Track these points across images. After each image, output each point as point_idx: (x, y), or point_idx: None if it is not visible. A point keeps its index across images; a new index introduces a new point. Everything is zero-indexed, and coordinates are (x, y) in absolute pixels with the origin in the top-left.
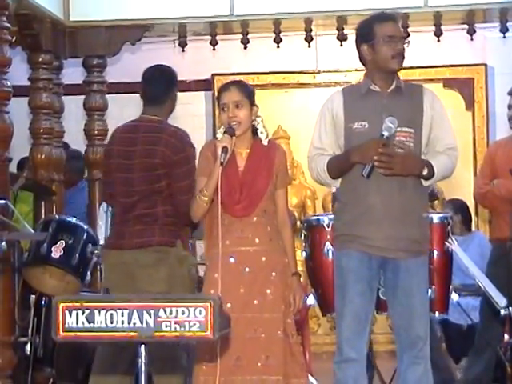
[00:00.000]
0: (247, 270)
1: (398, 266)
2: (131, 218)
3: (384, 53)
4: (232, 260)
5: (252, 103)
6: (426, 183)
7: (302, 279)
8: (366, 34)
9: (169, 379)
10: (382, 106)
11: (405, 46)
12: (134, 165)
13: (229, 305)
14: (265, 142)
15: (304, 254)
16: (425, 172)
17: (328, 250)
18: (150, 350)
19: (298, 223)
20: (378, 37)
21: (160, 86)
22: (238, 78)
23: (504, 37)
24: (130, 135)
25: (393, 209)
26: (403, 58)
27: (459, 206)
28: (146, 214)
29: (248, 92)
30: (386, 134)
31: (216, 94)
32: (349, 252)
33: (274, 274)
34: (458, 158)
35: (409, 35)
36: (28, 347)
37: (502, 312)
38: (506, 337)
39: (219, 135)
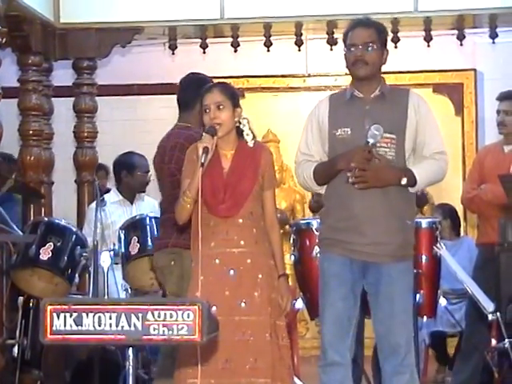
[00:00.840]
0: (231, 272)
1: (379, 271)
2: (160, 222)
3: (348, 60)
4: (217, 262)
5: (235, 105)
6: (412, 190)
7: (290, 282)
8: (344, 41)
9: None
10: (365, 112)
11: (367, 51)
12: (164, 170)
13: (214, 308)
14: (250, 144)
15: (293, 257)
16: (403, 182)
17: (317, 254)
18: None
19: (287, 227)
20: (346, 44)
21: (188, 91)
22: (227, 81)
23: (493, 42)
24: (163, 143)
25: (375, 214)
26: (366, 63)
27: (448, 211)
28: (168, 217)
29: (230, 93)
30: (371, 141)
31: None
32: (331, 256)
33: (260, 276)
34: (448, 162)
35: (398, 40)
36: (16, 349)
37: (490, 317)
38: (494, 341)
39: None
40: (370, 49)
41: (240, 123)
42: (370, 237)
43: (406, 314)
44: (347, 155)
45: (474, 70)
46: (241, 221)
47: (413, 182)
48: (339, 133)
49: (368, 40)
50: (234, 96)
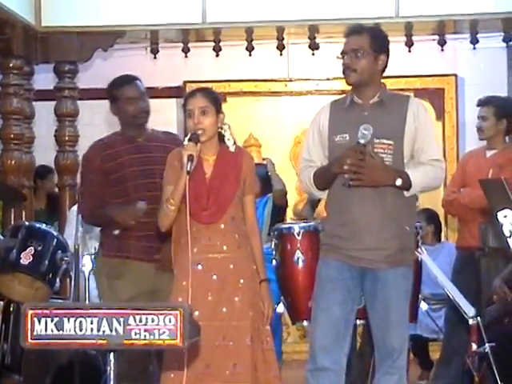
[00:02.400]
0: (215, 277)
1: (376, 276)
2: None
3: (342, 68)
4: (199, 267)
5: (218, 110)
6: (406, 194)
7: None
8: None
9: None
10: (363, 118)
11: (355, 59)
12: None
13: (197, 312)
14: (232, 149)
15: (274, 262)
16: (398, 183)
17: (298, 259)
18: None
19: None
20: (340, 52)
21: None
22: (209, 85)
23: (474, 48)
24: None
25: (373, 220)
26: (353, 71)
27: (431, 216)
28: None
29: (214, 99)
30: (362, 141)
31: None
32: (328, 261)
33: (242, 281)
34: (444, 170)
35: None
36: None
37: (471, 321)
38: (474, 346)
39: (186, 142)
40: (358, 56)
41: (221, 129)
42: (368, 243)
43: (400, 319)
44: (340, 158)
45: (455, 75)
46: (223, 226)
47: (408, 184)
48: (338, 139)
49: (356, 47)
50: (217, 102)
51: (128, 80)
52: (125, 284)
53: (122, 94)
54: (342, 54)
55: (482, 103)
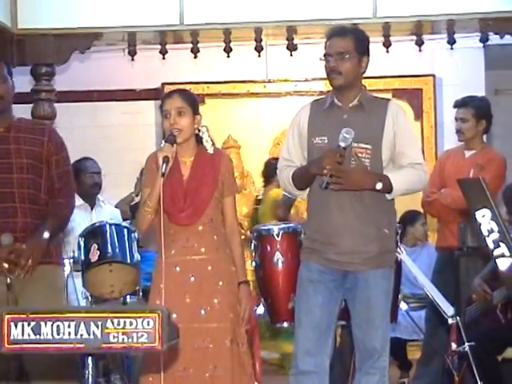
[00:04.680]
0: (192, 279)
1: (357, 277)
2: None
3: (326, 70)
4: (177, 269)
5: (195, 112)
6: (389, 197)
7: (251, 289)
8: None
9: None
10: (342, 122)
11: (341, 61)
12: None
13: (174, 315)
14: (210, 151)
15: (254, 263)
16: (378, 186)
17: (278, 260)
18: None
19: (249, 233)
20: (323, 54)
21: None
22: (187, 87)
23: (451, 48)
24: None
25: (352, 223)
26: (339, 73)
27: (416, 218)
28: None
29: (191, 100)
30: (342, 144)
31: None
32: (309, 264)
33: (220, 283)
34: (426, 172)
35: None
36: None
37: (450, 321)
38: (454, 345)
39: (162, 144)
40: (344, 58)
41: (199, 131)
42: (347, 246)
43: (382, 319)
44: (318, 160)
45: (433, 75)
46: (201, 228)
47: (389, 188)
48: (317, 141)
49: (341, 50)
50: (194, 103)
51: None
52: None
53: None
54: (325, 56)
55: (459, 104)
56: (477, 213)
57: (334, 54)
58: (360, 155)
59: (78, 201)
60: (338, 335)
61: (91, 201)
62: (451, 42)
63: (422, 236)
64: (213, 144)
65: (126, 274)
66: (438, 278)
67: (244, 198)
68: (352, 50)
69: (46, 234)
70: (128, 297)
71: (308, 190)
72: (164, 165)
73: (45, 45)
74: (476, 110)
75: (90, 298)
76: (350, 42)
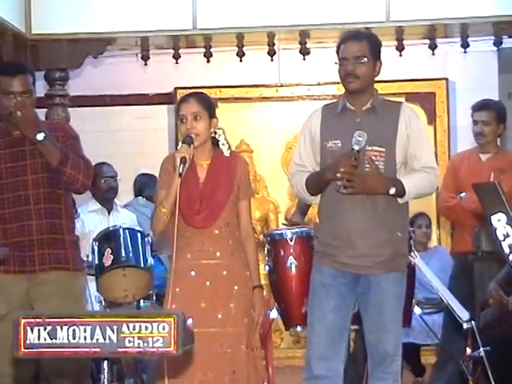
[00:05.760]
0: (208, 283)
1: (369, 281)
2: None
3: (340, 74)
4: (192, 273)
5: (211, 115)
6: (400, 201)
7: (265, 293)
8: (337, 53)
9: None
10: (355, 125)
11: (358, 65)
12: None
13: (190, 319)
14: (226, 154)
15: (267, 267)
16: (392, 191)
17: (291, 264)
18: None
19: (262, 237)
20: (339, 58)
21: None
22: (200, 91)
23: (465, 52)
24: None
25: (365, 227)
26: (357, 77)
27: (428, 221)
28: None
29: (207, 104)
30: (356, 147)
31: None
32: (321, 268)
33: (236, 287)
34: (438, 176)
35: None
36: None
37: (465, 326)
38: (469, 350)
39: (179, 146)
40: (362, 62)
41: (215, 133)
42: (360, 249)
43: (394, 323)
44: (333, 165)
45: (446, 79)
46: (216, 232)
47: (401, 192)
48: (330, 145)
49: (359, 54)
50: (210, 106)
51: (13, 70)
52: None
53: (0, 84)
54: (341, 59)
55: (481, 107)
56: (492, 217)
57: (350, 57)
58: (374, 158)
59: (95, 205)
60: (351, 340)
61: (108, 205)
62: (465, 45)
63: (424, 239)
64: (229, 147)
65: (139, 279)
66: (457, 284)
67: (257, 202)
68: (368, 54)
69: (41, 135)
70: (141, 301)
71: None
72: (181, 165)
73: (58, 50)
74: (497, 113)
75: (103, 302)
76: (365, 46)
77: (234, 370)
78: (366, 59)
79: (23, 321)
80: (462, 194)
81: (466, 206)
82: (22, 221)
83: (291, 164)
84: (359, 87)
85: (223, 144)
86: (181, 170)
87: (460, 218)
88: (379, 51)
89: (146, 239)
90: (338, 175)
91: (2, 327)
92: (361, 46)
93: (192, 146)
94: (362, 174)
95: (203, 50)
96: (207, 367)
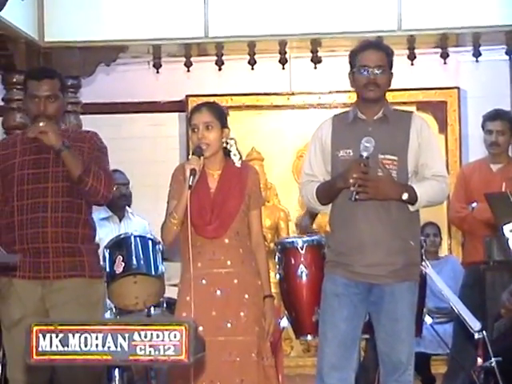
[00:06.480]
0: (219, 292)
1: (383, 290)
2: None
3: (359, 82)
4: (203, 282)
5: (223, 125)
6: (411, 208)
7: (275, 301)
8: (351, 61)
9: None
10: (367, 134)
11: (379, 74)
12: None
13: (201, 328)
14: (238, 164)
15: (278, 276)
16: (404, 197)
17: (302, 273)
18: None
19: (272, 245)
20: (356, 65)
21: None
22: (211, 99)
23: (477, 61)
24: None
25: (377, 235)
26: (378, 86)
27: (438, 230)
28: None
29: (219, 114)
30: (364, 154)
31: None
32: (334, 278)
33: (246, 296)
34: (448, 185)
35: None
36: None
37: (476, 336)
38: (480, 360)
39: (190, 157)
40: (381, 72)
41: (227, 144)
42: (373, 258)
43: (407, 333)
44: (344, 173)
45: (458, 88)
46: (227, 241)
47: (413, 198)
48: (341, 154)
49: (380, 63)
50: (222, 116)
51: (40, 75)
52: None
53: (28, 88)
54: (362, 67)
55: (495, 117)
56: (504, 227)
57: (372, 66)
58: (387, 167)
59: (107, 212)
60: (361, 349)
61: (120, 213)
62: (476, 54)
63: (432, 247)
64: (240, 158)
65: (150, 286)
66: (469, 293)
67: (267, 210)
68: (386, 64)
69: (66, 144)
70: (152, 308)
71: (331, 203)
72: (191, 177)
73: (71, 57)
74: (510, 122)
75: (114, 309)
76: (384, 56)
77: (242, 378)
78: (385, 69)
79: (35, 328)
80: (474, 205)
81: (477, 215)
82: (38, 227)
83: (301, 174)
84: (378, 96)
85: (235, 154)
86: (190, 182)
87: (472, 228)
88: (392, 63)
89: (157, 247)
90: (351, 181)
91: (16, 332)
92: (381, 55)
93: (202, 157)
94: (374, 179)
95: (215, 57)
96: (215, 376)
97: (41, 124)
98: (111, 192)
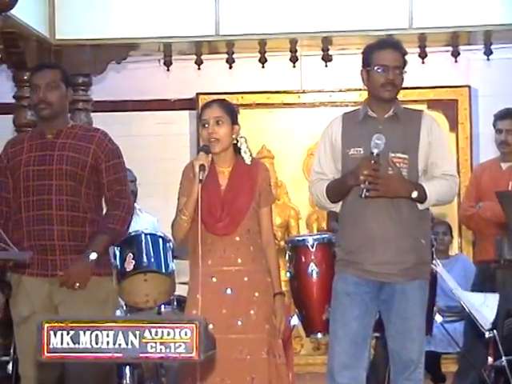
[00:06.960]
0: (229, 290)
1: (393, 289)
2: None
3: (376, 81)
4: (214, 280)
5: (234, 122)
6: (420, 207)
7: (286, 299)
8: (365, 59)
9: None
10: (378, 132)
11: (398, 75)
12: None
13: (211, 325)
14: (248, 162)
15: (288, 274)
16: (414, 195)
17: (312, 271)
18: None
19: (282, 243)
20: (373, 64)
21: None
22: (222, 97)
23: (488, 59)
24: None
25: (388, 234)
26: (395, 87)
27: (449, 229)
28: None
29: (230, 110)
30: (375, 151)
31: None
32: (345, 276)
33: (256, 294)
34: (458, 184)
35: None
36: (10, 366)
37: (487, 334)
38: (490, 359)
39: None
40: (398, 72)
41: (238, 141)
42: (384, 256)
43: (418, 331)
44: (355, 170)
45: (469, 86)
46: (238, 239)
47: (423, 196)
48: (352, 152)
49: (398, 63)
50: (233, 113)
51: (40, 67)
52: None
53: (31, 81)
54: (381, 66)
55: (505, 116)
56: None
57: (392, 66)
58: (398, 165)
59: None
60: (371, 347)
61: None
62: (488, 53)
63: (441, 246)
64: (250, 155)
65: (160, 284)
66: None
67: (278, 208)
68: (402, 65)
69: (93, 256)
70: (162, 306)
71: (341, 202)
72: (201, 172)
73: (82, 55)
74: None
75: (124, 307)
76: (401, 56)
77: (252, 376)
78: (402, 69)
79: (46, 325)
80: (481, 203)
81: (482, 214)
82: (44, 225)
83: (311, 172)
84: (393, 96)
85: (245, 152)
86: (201, 177)
87: (479, 226)
88: (406, 63)
89: (168, 244)
90: (361, 178)
91: (24, 329)
92: (398, 55)
93: (210, 154)
94: (385, 177)
95: (225, 55)
96: (226, 373)
97: (77, 285)
98: (130, 222)
